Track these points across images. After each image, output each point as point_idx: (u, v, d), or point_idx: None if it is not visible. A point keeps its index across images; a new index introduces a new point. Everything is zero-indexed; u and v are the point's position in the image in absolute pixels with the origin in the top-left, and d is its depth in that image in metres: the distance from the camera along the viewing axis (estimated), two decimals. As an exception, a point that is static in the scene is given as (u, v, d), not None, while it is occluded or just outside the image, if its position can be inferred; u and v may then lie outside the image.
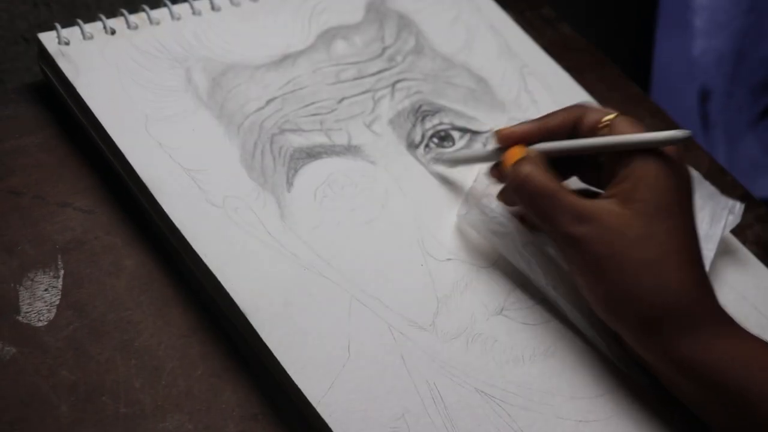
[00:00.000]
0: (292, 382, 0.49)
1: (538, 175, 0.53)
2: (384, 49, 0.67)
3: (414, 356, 0.52)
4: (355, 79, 0.64)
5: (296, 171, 0.58)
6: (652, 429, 0.53)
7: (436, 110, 0.64)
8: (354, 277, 0.54)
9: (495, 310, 0.56)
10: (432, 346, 0.53)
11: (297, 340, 0.51)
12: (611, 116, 0.54)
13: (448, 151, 0.63)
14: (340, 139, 0.60)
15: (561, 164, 0.56)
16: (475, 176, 0.60)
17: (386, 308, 0.53)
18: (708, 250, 0.59)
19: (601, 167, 0.55)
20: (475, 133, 0.64)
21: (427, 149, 0.62)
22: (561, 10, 0.84)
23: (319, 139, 0.60)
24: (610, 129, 0.53)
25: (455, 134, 0.64)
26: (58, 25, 0.58)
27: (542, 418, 0.52)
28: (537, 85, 0.70)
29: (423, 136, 0.63)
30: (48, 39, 0.58)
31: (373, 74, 0.65)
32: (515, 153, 0.55)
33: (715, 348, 0.50)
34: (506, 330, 0.55)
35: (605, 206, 0.51)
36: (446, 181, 0.61)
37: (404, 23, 0.69)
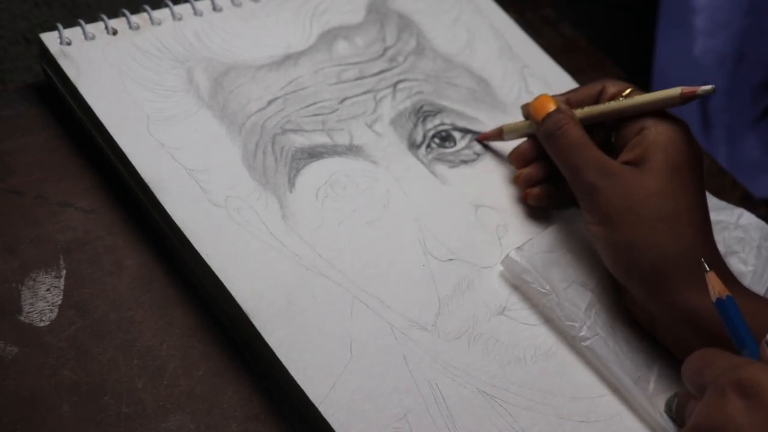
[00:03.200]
0: (294, 382, 0.49)
1: (573, 127, 0.56)
2: (385, 50, 0.67)
3: (416, 356, 0.52)
4: (357, 79, 0.64)
5: (298, 171, 0.58)
6: (653, 429, 0.53)
7: (438, 111, 0.64)
8: (356, 278, 0.54)
9: (496, 310, 0.56)
10: (434, 347, 0.53)
11: (299, 340, 0.51)
12: (630, 89, 0.57)
13: (449, 151, 0.63)
14: (342, 139, 0.60)
15: None
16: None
17: (388, 308, 0.53)
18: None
19: (610, 144, 0.58)
20: (476, 133, 0.64)
21: (428, 149, 0.62)
22: (562, 11, 0.84)
23: (321, 139, 0.60)
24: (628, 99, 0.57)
25: (456, 135, 0.64)
26: (59, 26, 0.58)
27: (544, 419, 0.52)
28: (538, 85, 0.70)
29: (424, 137, 0.63)
30: (50, 39, 0.58)
31: (375, 74, 0.65)
32: (546, 101, 0.58)
33: None
34: (508, 330, 0.55)
35: (625, 166, 0.54)
36: (448, 181, 0.61)
37: (405, 24, 0.69)
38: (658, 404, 0.53)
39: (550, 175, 0.59)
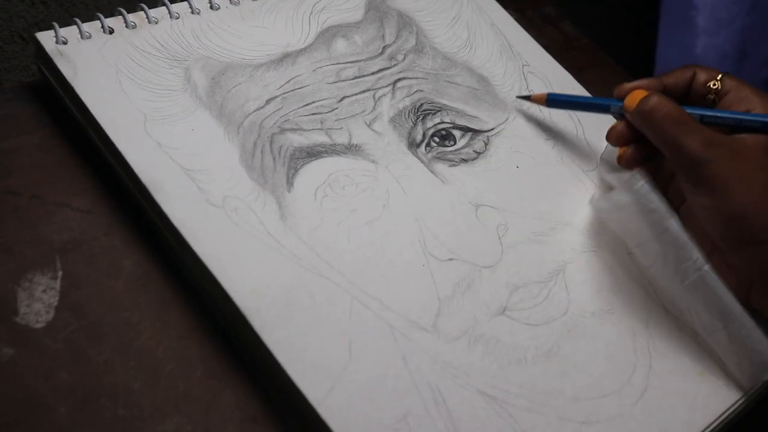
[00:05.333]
0: (293, 383, 0.49)
1: (668, 103, 0.57)
2: (384, 48, 0.66)
3: (416, 357, 0.52)
4: (356, 77, 0.63)
5: (296, 171, 0.57)
6: (654, 430, 0.53)
7: (437, 109, 0.64)
8: (355, 278, 0.53)
9: (497, 310, 0.55)
10: (434, 347, 0.52)
11: (297, 341, 0.50)
12: (720, 75, 0.60)
13: (450, 150, 0.62)
14: (341, 139, 0.60)
15: None
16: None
17: (387, 309, 0.53)
18: None
19: None
20: (476, 132, 0.64)
21: (428, 148, 0.62)
22: (563, 9, 0.84)
23: (320, 138, 0.59)
24: (721, 86, 0.59)
25: (456, 133, 0.63)
26: (56, 25, 0.58)
27: (545, 420, 0.52)
28: (538, 84, 0.70)
29: (424, 135, 0.62)
30: (46, 38, 0.58)
31: (374, 73, 0.64)
32: (637, 94, 0.58)
33: None
34: (509, 330, 0.55)
35: (732, 138, 0.56)
36: (448, 181, 0.60)
37: (404, 22, 0.69)
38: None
39: (649, 155, 0.60)
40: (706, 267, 0.56)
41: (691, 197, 0.56)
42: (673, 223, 0.57)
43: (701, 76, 0.60)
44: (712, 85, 0.60)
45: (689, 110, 0.58)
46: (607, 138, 0.61)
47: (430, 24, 0.69)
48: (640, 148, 0.60)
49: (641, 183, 0.58)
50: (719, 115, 0.58)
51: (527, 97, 0.67)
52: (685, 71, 0.61)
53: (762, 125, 0.56)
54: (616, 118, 0.63)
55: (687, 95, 0.61)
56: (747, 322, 0.56)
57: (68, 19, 0.59)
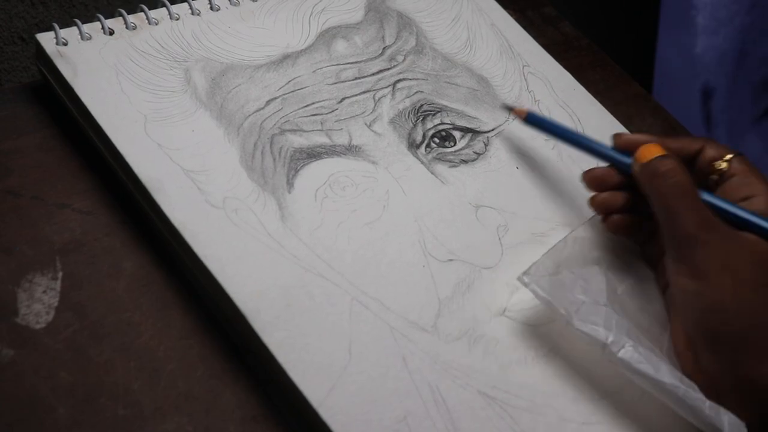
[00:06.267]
0: (293, 384, 0.49)
1: (681, 172, 0.53)
2: (384, 49, 0.66)
3: (416, 358, 0.52)
4: (356, 78, 0.64)
5: (297, 172, 0.57)
6: (654, 430, 0.53)
7: (437, 110, 0.64)
8: (355, 279, 0.53)
9: (497, 311, 0.55)
10: (434, 348, 0.52)
11: (298, 342, 0.50)
12: (730, 156, 0.55)
13: (450, 150, 0.62)
14: (341, 139, 0.60)
15: None
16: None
17: (387, 310, 0.53)
18: None
19: None
20: (476, 133, 0.64)
21: (428, 149, 0.62)
22: (562, 9, 0.84)
23: (320, 139, 0.59)
24: (729, 168, 0.55)
25: (456, 134, 0.64)
26: (56, 26, 0.58)
27: (545, 421, 0.52)
28: (539, 84, 0.70)
29: (424, 136, 0.62)
30: (46, 39, 0.58)
31: (374, 74, 0.64)
32: (654, 150, 0.54)
33: None
34: (509, 331, 0.55)
35: (729, 228, 0.52)
36: (448, 181, 0.61)
37: (404, 23, 0.69)
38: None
39: (630, 206, 0.57)
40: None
41: (674, 277, 0.52)
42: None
43: (709, 152, 0.56)
44: (718, 165, 0.55)
45: (718, 201, 0.54)
46: (584, 179, 0.58)
47: (430, 25, 0.70)
48: (619, 196, 0.56)
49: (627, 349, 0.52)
50: (718, 204, 0.54)
51: (510, 109, 0.64)
52: (695, 142, 0.57)
53: (760, 230, 0.52)
54: (601, 159, 0.59)
55: (690, 167, 0.55)
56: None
57: (68, 20, 0.59)
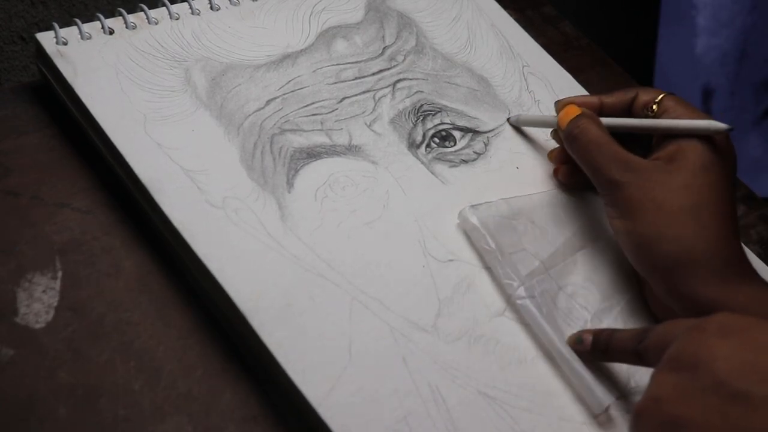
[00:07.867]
0: (293, 384, 0.49)
1: (591, 127, 0.57)
2: (384, 49, 0.66)
3: (415, 358, 0.52)
4: (356, 78, 0.64)
5: (296, 171, 0.57)
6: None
7: (437, 110, 0.64)
8: (355, 279, 0.53)
9: (497, 311, 0.55)
10: (434, 348, 0.52)
11: (298, 342, 0.50)
12: (661, 96, 0.59)
13: (450, 150, 0.62)
14: (341, 139, 0.60)
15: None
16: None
17: (387, 310, 0.53)
18: None
19: (649, 147, 0.59)
20: (476, 132, 0.64)
21: (428, 149, 0.62)
22: (562, 9, 0.84)
23: (320, 139, 0.59)
24: (659, 107, 0.58)
25: (456, 134, 0.63)
26: (56, 25, 0.58)
27: (545, 421, 0.52)
28: (538, 84, 0.70)
29: (424, 136, 0.62)
30: (46, 39, 0.58)
31: (374, 74, 0.64)
32: (571, 111, 0.59)
33: (743, 292, 0.52)
34: (508, 331, 0.55)
35: (651, 162, 0.56)
36: (448, 181, 0.61)
37: (405, 22, 0.69)
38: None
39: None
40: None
41: (611, 222, 0.56)
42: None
43: (642, 97, 0.59)
44: (651, 107, 0.59)
45: (621, 121, 0.59)
46: (549, 157, 0.64)
47: (430, 25, 0.69)
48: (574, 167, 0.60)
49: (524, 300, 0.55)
50: (628, 124, 0.58)
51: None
52: (627, 92, 0.60)
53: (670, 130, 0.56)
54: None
55: (628, 115, 0.60)
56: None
57: (68, 19, 0.59)
